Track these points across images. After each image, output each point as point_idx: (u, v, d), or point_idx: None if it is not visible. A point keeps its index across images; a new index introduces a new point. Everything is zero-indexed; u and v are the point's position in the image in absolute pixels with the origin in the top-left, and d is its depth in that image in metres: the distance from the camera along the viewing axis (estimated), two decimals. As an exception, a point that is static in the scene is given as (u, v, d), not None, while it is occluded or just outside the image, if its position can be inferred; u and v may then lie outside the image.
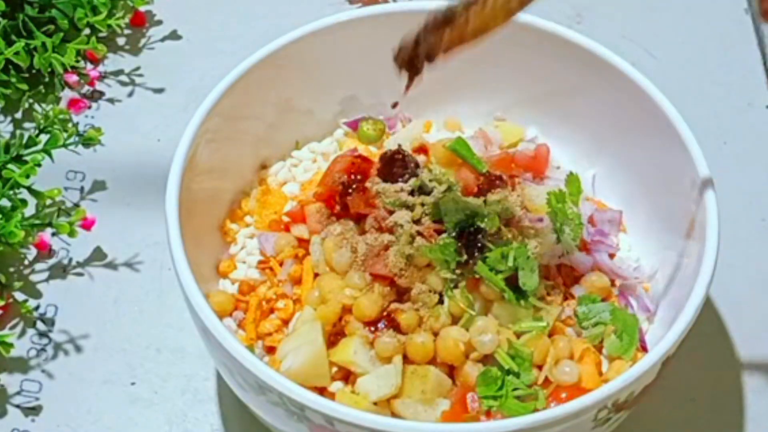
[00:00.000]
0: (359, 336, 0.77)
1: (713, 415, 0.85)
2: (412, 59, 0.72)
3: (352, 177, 0.82)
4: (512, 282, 0.78)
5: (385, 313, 0.78)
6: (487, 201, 0.81)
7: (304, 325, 0.78)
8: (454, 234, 0.79)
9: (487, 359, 0.77)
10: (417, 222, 0.79)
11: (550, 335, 0.79)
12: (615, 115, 0.87)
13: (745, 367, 0.87)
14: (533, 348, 0.77)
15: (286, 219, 0.85)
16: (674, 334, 0.72)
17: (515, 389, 0.76)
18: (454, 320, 0.78)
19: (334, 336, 0.78)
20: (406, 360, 0.77)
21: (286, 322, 0.81)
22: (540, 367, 0.77)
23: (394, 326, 0.77)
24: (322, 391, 0.77)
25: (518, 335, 0.78)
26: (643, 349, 0.80)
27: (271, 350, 0.80)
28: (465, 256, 0.78)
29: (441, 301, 0.78)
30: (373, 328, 0.77)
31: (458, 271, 0.78)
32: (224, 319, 0.81)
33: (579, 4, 1.08)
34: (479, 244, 0.78)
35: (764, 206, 0.96)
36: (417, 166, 0.83)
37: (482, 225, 0.78)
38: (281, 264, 0.83)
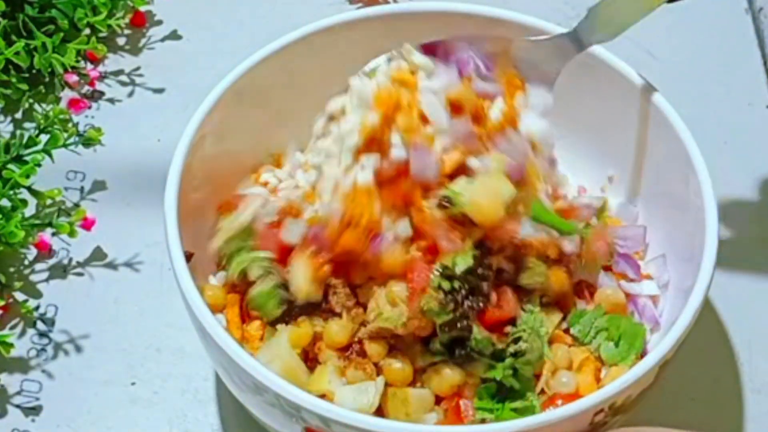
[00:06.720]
0: (331, 365, 0.76)
1: (713, 415, 0.85)
2: None
3: None
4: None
5: (356, 339, 0.76)
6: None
7: (269, 340, 0.77)
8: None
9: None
10: None
11: (550, 343, 0.77)
12: (614, 116, 0.86)
13: (745, 367, 0.87)
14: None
15: None
16: (671, 338, 0.71)
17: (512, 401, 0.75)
18: None
19: (311, 362, 0.77)
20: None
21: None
22: (537, 377, 0.76)
23: (365, 354, 0.75)
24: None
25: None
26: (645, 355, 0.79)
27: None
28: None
29: None
30: (345, 355, 0.76)
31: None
32: (216, 315, 0.80)
33: (579, 4, 1.08)
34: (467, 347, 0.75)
35: (764, 206, 0.96)
36: None
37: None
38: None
